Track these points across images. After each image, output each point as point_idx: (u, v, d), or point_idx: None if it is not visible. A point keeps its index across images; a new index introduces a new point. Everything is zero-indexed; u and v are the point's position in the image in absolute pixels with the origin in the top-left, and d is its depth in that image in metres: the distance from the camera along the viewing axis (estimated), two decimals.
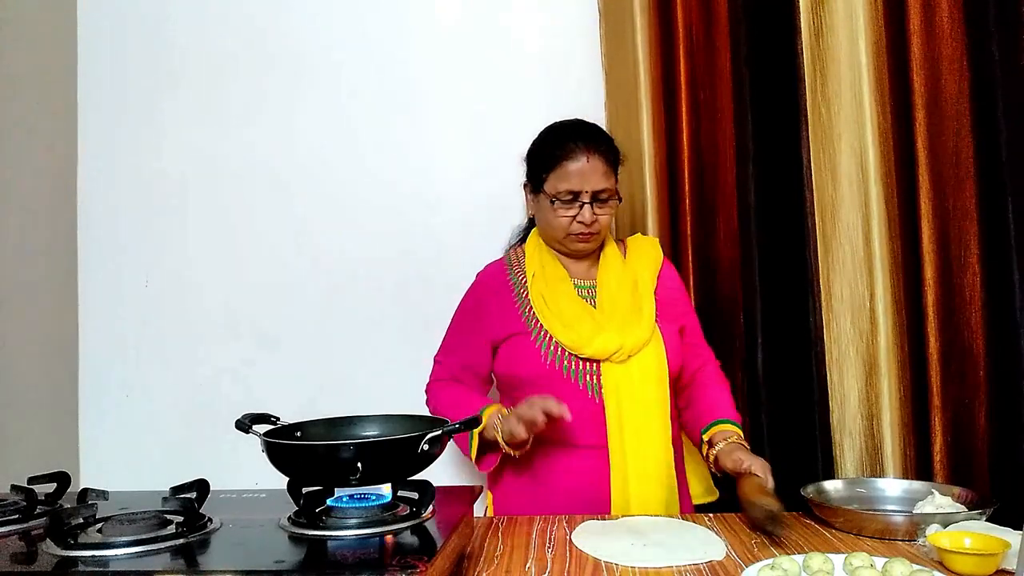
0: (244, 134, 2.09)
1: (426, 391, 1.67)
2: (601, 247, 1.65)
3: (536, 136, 1.63)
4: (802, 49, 1.77)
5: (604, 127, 1.95)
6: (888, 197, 1.74)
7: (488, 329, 1.60)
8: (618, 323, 1.54)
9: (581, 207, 1.53)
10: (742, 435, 1.53)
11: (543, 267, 1.61)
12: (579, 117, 1.64)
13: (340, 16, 2.08)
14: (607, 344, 1.51)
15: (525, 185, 1.65)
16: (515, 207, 1.98)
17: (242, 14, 2.10)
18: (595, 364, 1.52)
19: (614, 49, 1.95)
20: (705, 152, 1.87)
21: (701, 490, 1.66)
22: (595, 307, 1.58)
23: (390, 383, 1.99)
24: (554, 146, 1.57)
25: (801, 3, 1.77)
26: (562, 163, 1.54)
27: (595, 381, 1.51)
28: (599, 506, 1.49)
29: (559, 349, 1.52)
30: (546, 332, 1.53)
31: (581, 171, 1.52)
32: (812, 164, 1.77)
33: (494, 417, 1.50)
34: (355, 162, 2.07)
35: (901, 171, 1.74)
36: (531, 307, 1.57)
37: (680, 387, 1.66)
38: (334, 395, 2.02)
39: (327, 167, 2.07)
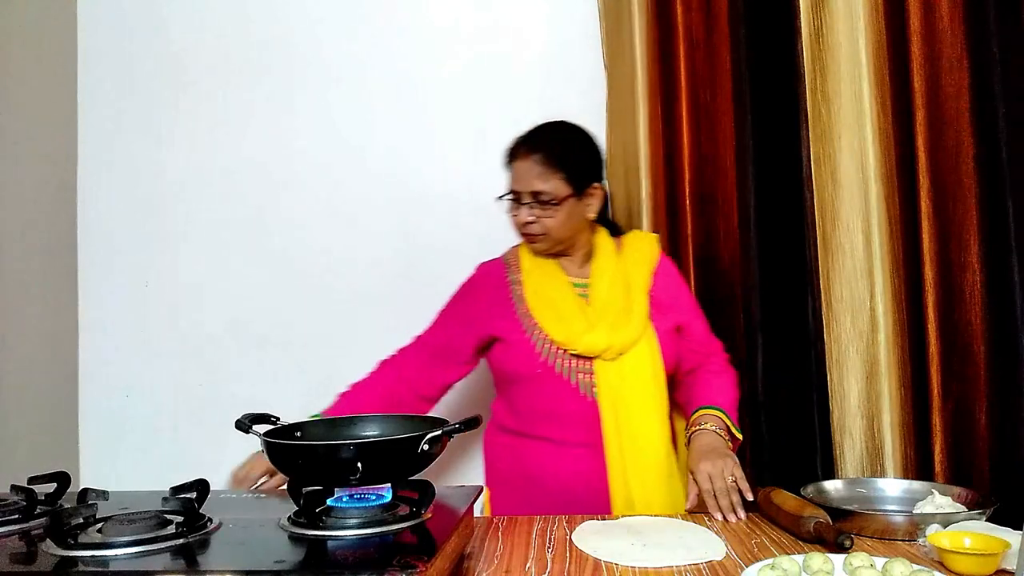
0: (243, 135, 2.09)
1: (379, 363, 1.67)
2: (594, 245, 1.64)
3: None
4: (802, 49, 1.77)
5: (604, 127, 1.95)
6: (888, 197, 1.74)
7: (477, 321, 1.61)
8: (609, 321, 1.54)
9: (519, 207, 1.54)
10: (720, 417, 1.52)
11: (538, 264, 1.62)
12: (578, 117, 1.63)
13: (340, 19, 2.08)
14: (597, 341, 1.52)
15: None
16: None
17: (242, 15, 2.10)
18: (588, 362, 1.53)
19: (614, 49, 1.95)
20: (705, 152, 1.87)
21: None
22: (588, 304, 1.58)
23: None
24: (510, 147, 1.60)
25: (801, 3, 1.77)
26: (509, 163, 1.58)
27: (588, 379, 1.53)
28: (598, 505, 1.49)
29: (552, 346, 1.53)
30: (539, 329, 1.55)
31: (518, 171, 1.55)
32: (812, 164, 1.77)
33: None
34: (355, 163, 2.07)
35: (901, 171, 1.74)
36: (525, 304, 1.58)
37: (680, 383, 1.66)
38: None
39: (327, 168, 2.07)
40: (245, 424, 1.14)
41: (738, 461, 1.43)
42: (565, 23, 2.03)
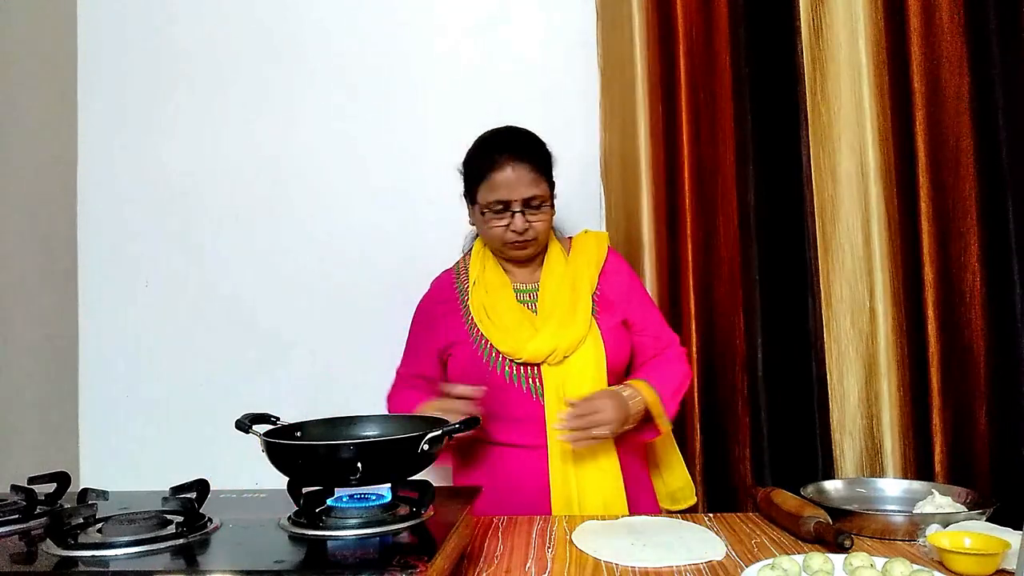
0: (244, 134, 2.09)
1: (386, 401, 1.68)
2: (546, 249, 1.65)
3: (469, 148, 1.63)
4: (802, 49, 1.78)
5: (598, 128, 1.96)
6: (888, 197, 1.74)
7: (435, 337, 1.62)
8: (554, 325, 1.55)
9: (512, 216, 1.54)
10: (639, 389, 1.50)
11: (485, 274, 1.62)
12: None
13: (341, 16, 2.08)
14: (541, 347, 1.52)
15: (464, 196, 1.64)
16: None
17: (242, 13, 2.10)
18: (535, 367, 1.54)
19: (611, 49, 1.95)
20: (705, 152, 1.87)
21: (663, 494, 1.65)
22: (536, 311, 1.59)
23: (390, 383, 1.99)
24: (482, 158, 1.57)
25: (801, 3, 1.77)
26: (489, 175, 1.54)
27: (538, 384, 1.53)
28: (542, 506, 1.49)
29: (499, 355, 1.54)
30: (486, 340, 1.55)
31: (508, 181, 1.52)
32: (812, 164, 1.77)
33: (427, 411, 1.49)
34: (356, 163, 2.07)
35: (901, 171, 1.74)
36: (471, 315, 1.59)
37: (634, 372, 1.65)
38: (334, 395, 2.02)
39: (328, 167, 2.07)
40: (245, 424, 1.14)
41: (621, 422, 1.45)
42: (561, 23, 2.03)
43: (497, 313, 1.57)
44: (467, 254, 1.71)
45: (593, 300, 1.59)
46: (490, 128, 1.66)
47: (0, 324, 1.87)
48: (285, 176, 2.08)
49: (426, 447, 1.03)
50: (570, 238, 1.70)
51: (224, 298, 2.08)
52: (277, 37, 2.09)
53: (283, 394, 2.02)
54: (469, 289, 1.62)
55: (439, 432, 1.05)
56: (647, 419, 1.52)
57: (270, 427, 1.17)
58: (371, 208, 2.06)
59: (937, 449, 1.66)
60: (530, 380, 1.53)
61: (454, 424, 1.09)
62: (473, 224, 1.66)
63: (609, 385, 1.55)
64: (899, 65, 1.73)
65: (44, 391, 2.02)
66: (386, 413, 1.26)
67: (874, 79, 1.74)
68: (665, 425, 1.53)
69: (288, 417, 1.21)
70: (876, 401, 1.73)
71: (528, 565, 1.14)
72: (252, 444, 1.10)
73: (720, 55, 1.85)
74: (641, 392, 1.51)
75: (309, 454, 1.07)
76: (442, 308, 1.64)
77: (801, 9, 1.77)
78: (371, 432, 1.21)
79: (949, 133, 1.70)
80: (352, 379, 2.03)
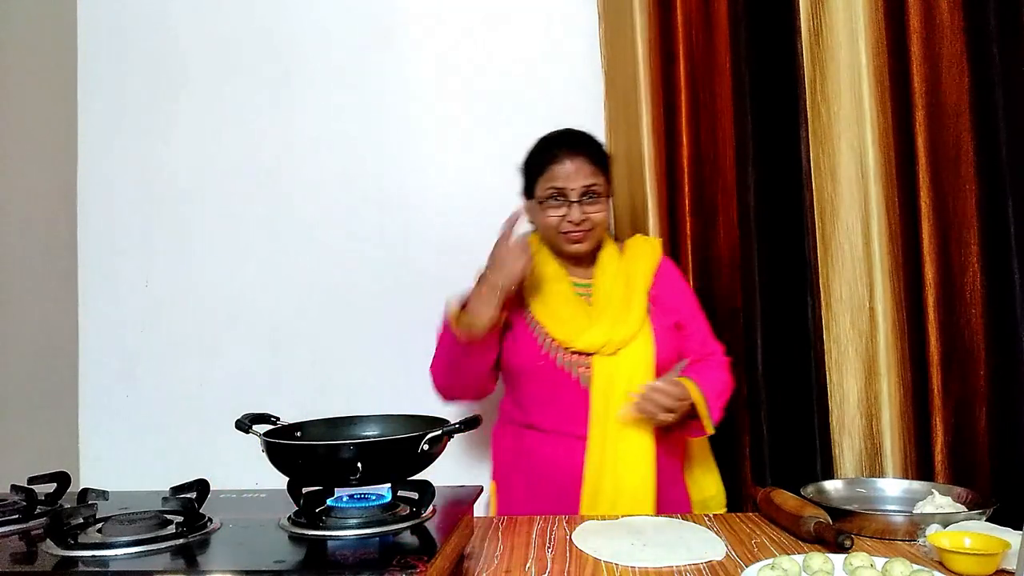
0: (244, 134, 2.09)
1: (433, 370, 1.66)
2: (599, 248, 1.68)
3: (529, 149, 1.68)
4: (802, 49, 1.78)
5: (602, 128, 1.96)
6: (888, 197, 1.74)
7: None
8: (609, 318, 1.59)
9: (569, 206, 1.58)
10: (688, 388, 1.52)
11: (543, 267, 1.66)
12: (575, 119, 1.69)
13: (341, 16, 2.08)
14: (596, 337, 1.56)
15: (522, 194, 1.69)
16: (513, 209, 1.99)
17: (242, 13, 2.10)
18: (588, 356, 1.57)
19: (613, 50, 1.95)
20: (705, 152, 1.87)
21: (694, 500, 1.65)
22: (590, 304, 1.62)
23: (390, 383, 1.99)
24: (542, 153, 1.64)
25: (801, 3, 1.77)
26: (549, 167, 1.61)
27: (588, 372, 1.56)
28: (572, 497, 1.51)
29: (553, 342, 1.58)
30: (541, 325, 1.59)
31: (566, 172, 1.59)
32: (812, 164, 1.77)
33: (455, 306, 1.56)
34: (356, 164, 2.07)
35: (901, 171, 1.74)
36: (527, 300, 1.62)
37: None
38: (334, 395, 2.02)
39: (328, 168, 2.07)
40: (245, 424, 1.15)
41: (683, 404, 1.50)
42: (565, 25, 2.03)
43: (555, 304, 1.61)
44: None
45: (648, 298, 1.63)
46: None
47: (0, 324, 1.87)
48: (286, 177, 2.08)
49: (426, 447, 1.03)
50: (623, 241, 1.74)
51: (224, 298, 2.08)
52: (277, 37, 2.09)
53: (283, 394, 2.02)
54: (526, 280, 1.63)
55: (439, 432, 1.05)
56: (691, 416, 1.54)
57: (270, 427, 1.17)
58: (371, 208, 2.06)
59: (937, 449, 1.66)
60: (582, 368, 1.56)
61: (454, 424, 1.09)
62: (532, 222, 1.69)
63: None
64: (899, 65, 1.73)
65: (44, 391, 2.02)
66: (386, 413, 1.25)
67: (874, 79, 1.74)
68: (709, 427, 1.54)
69: (288, 417, 1.22)
70: (876, 401, 1.73)
71: (528, 565, 1.14)
72: (252, 444, 1.10)
73: (720, 55, 1.85)
74: (689, 391, 1.52)
75: (309, 454, 1.07)
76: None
77: (801, 9, 1.77)
78: (371, 432, 1.21)
79: (949, 133, 1.70)
80: (352, 379, 2.04)
